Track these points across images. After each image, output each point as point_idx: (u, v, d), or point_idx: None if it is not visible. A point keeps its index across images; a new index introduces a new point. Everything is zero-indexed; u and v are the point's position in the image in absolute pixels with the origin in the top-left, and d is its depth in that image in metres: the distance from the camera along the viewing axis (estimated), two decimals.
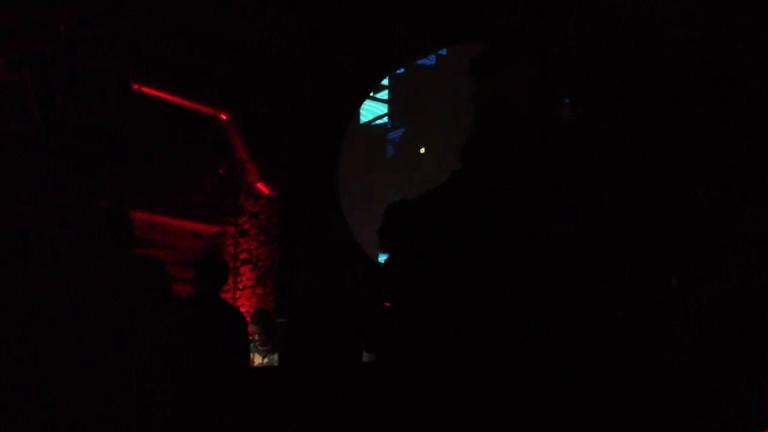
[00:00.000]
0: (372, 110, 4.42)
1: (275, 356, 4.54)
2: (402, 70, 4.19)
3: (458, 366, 2.13)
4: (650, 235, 2.08)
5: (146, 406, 2.53)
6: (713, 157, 3.30)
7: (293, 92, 4.30)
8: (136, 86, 4.28)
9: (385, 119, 4.38)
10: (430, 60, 4.15)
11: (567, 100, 2.25)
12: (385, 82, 4.34)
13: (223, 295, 3.99)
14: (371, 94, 4.36)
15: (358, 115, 4.40)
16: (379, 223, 3.04)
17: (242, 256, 6.77)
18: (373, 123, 4.41)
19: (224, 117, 5.85)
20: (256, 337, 4.55)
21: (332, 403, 3.08)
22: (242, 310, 5.18)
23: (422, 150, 3.74)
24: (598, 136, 2.17)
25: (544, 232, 1.98)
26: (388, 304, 2.96)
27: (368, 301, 3.03)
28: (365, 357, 3.24)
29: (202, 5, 4.09)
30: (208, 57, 4.45)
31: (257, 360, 4.64)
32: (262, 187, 6.23)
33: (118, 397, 2.47)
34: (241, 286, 6.63)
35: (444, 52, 4.07)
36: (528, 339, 2.08)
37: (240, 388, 3.40)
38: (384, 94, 4.39)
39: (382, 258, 3.20)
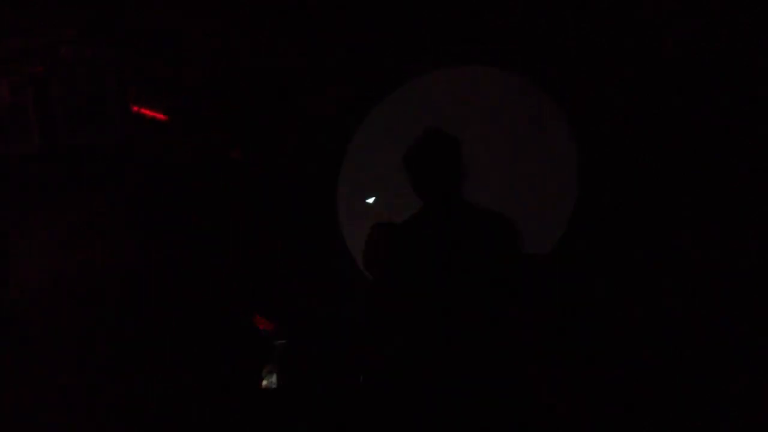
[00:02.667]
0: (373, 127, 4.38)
1: (273, 378, 4.51)
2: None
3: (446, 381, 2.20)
4: None
5: None
6: (713, 157, 3.30)
7: (292, 112, 4.30)
8: (135, 108, 4.25)
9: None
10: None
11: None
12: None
13: None
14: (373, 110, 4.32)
15: (359, 132, 4.37)
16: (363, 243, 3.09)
17: None
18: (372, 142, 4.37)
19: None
20: None
21: (330, 424, 3.09)
22: None
23: None
24: None
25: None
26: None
27: (365, 324, 3.03)
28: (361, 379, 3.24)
29: (202, 27, 4.09)
30: (208, 76, 4.42)
31: None
32: None
33: None
34: None
35: None
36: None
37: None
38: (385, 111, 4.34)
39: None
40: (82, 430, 2.80)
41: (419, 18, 3.81)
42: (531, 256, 2.65)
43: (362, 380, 3.05)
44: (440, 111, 4.04)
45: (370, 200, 4.26)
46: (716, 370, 3.08)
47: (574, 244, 3.58)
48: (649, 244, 3.37)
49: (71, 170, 3.44)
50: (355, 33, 3.95)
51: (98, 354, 2.84)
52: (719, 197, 3.29)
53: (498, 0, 3.68)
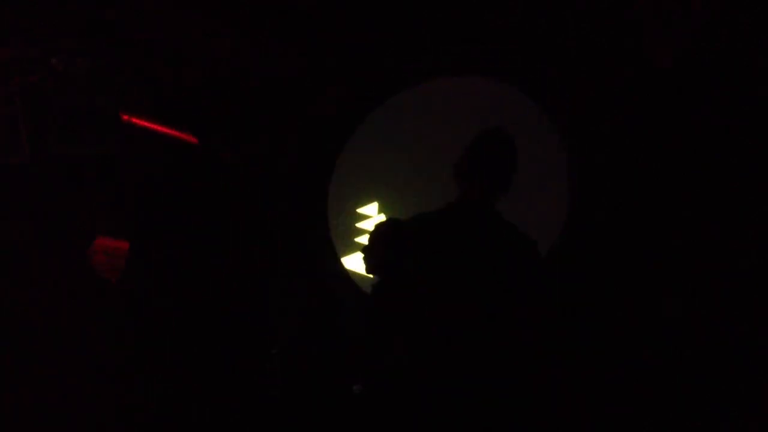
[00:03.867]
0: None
1: None
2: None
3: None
4: None
5: None
6: (713, 157, 3.30)
7: (291, 112, 4.29)
8: (125, 117, 4.22)
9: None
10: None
11: None
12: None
13: None
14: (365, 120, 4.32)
15: (352, 137, 4.36)
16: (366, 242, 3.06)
17: None
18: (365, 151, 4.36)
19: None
20: None
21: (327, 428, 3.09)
22: None
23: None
24: None
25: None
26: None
27: (366, 325, 3.02)
28: (356, 389, 3.24)
29: (202, 27, 4.07)
30: (207, 77, 4.39)
31: None
32: None
33: None
34: None
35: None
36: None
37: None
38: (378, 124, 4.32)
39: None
40: (82, 430, 2.80)
41: (419, 18, 3.81)
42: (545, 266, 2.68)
43: (359, 388, 3.05)
44: (436, 117, 4.04)
45: (362, 206, 4.26)
46: (716, 370, 3.08)
47: (573, 244, 3.58)
48: (649, 244, 3.37)
49: (70, 173, 3.44)
50: (355, 33, 3.95)
51: (98, 354, 2.85)
52: (719, 197, 3.29)
53: (498, 0, 3.68)
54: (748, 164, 3.24)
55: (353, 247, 4.12)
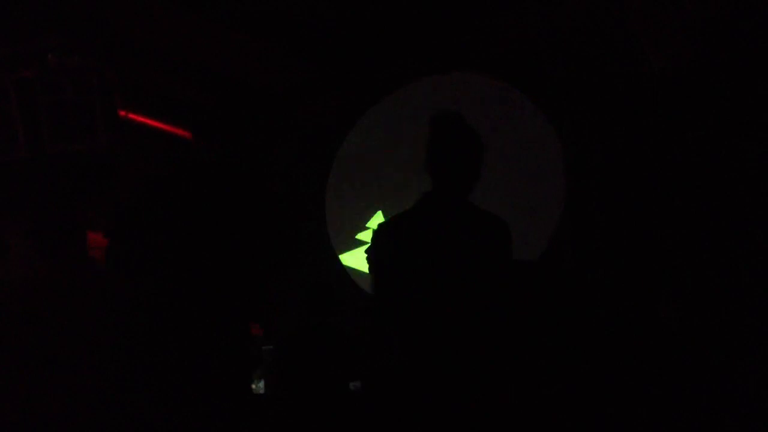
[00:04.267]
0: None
1: (261, 383, 4.51)
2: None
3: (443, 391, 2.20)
4: None
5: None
6: (713, 157, 3.30)
7: (280, 125, 4.29)
8: (122, 113, 4.23)
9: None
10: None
11: None
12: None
13: None
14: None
15: (346, 146, 4.36)
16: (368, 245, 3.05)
17: None
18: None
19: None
20: None
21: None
22: None
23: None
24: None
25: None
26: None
27: (356, 332, 3.02)
28: (351, 386, 3.24)
29: (190, 35, 4.08)
30: (196, 86, 4.38)
31: None
32: None
33: None
34: None
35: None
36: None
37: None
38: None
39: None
40: (81, 430, 2.79)
41: (418, 18, 3.82)
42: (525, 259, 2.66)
43: (356, 386, 3.04)
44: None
45: (361, 205, 4.26)
46: (716, 370, 3.08)
47: (571, 244, 3.58)
48: (648, 245, 3.38)
49: (67, 172, 3.44)
50: (354, 35, 3.96)
51: (97, 354, 2.84)
52: (719, 197, 3.29)
53: (498, 0, 3.69)
54: (748, 164, 3.24)
55: (353, 246, 4.13)
